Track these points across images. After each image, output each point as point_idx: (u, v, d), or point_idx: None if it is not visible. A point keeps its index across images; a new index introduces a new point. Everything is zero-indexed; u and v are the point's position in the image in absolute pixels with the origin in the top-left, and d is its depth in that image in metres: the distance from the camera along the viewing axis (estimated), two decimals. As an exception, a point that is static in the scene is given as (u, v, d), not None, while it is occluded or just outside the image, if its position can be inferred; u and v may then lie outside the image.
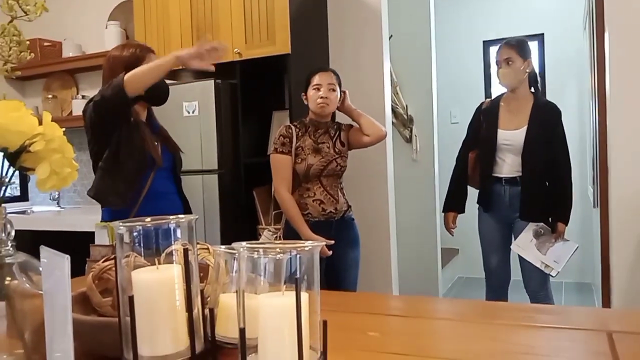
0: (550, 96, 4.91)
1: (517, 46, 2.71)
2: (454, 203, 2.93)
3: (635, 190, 2.69)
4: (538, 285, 2.72)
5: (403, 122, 4.19)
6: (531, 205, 2.68)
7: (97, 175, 2.19)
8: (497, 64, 2.74)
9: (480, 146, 2.83)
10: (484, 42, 5.22)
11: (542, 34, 5.03)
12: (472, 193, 2.96)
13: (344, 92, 2.60)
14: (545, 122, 2.66)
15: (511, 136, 2.69)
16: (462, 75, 5.20)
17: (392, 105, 3.68)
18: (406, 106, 4.19)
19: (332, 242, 2.38)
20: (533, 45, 5.04)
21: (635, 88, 2.68)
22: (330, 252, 2.37)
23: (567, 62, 4.87)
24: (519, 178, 2.70)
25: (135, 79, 1.88)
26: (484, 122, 2.81)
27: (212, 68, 2.02)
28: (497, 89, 5.10)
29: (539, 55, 5.04)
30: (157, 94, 2.18)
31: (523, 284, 2.79)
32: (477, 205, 2.91)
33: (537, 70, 2.81)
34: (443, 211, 3.00)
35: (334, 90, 2.50)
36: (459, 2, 5.25)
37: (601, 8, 2.89)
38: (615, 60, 2.75)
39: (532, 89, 2.77)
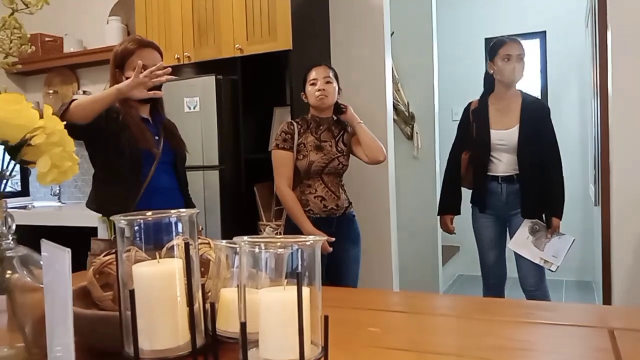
0: (551, 94, 4.92)
1: (522, 45, 2.72)
2: (450, 205, 2.92)
3: (637, 188, 2.69)
4: (534, 283, 2.72)
5: (404, 119, 4.18)
6: (532, 201, 2.69)
7: (93, 186, 2.18)
8: (503, 58, 2.68)
9: (473, 147, 2.82)
10: (485, 39, 5.20)
11: (544, 32, 5.02)
12: (466, 192, 2.95)
13: (346, 106, 2.59)
14: (536, 119, 2.68)
15: (504, 136, 2.69)
16: (464, 73, 5.18)
17: (393, 102, 3.67)
18: (407, 103, 4.18)
19: (333, 239, 2.37)
20: (535, 43, 5.03)
21: (638, 86, 2.68)
22: (331, 249, 2.37)
23: (569, 59, 4.86)
24: (516, 176, 2.70)
25: (79, 109, 1.89)
26: (474, 123, 2.81)
27: (159, 94, 2.04)
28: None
29: (540, 52, 5.03)
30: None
31: (520, 282, 2.78)
32: (471, 205, 2.91)
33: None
34: (439, 214, 2.99)
35: (330, 82, 2.50)
36: (461, -1, 5.24)
37: (604, 5, 2.89)
38: (618, 58, 2.74)
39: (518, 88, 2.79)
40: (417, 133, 4.18)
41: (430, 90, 4.17)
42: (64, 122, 1.78)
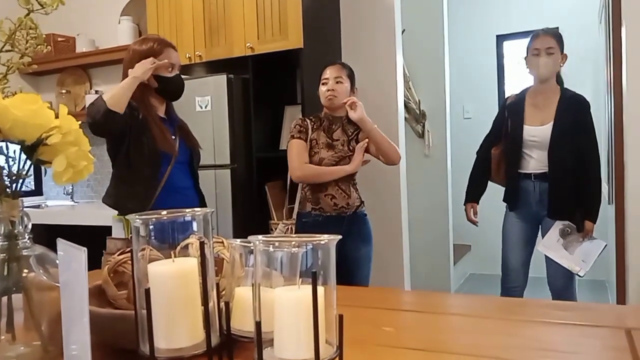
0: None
1: (557, 37, 2.61)
2: (476, 194, 2.86)
3: (652, 186, 2.65)
4: (563, 286, 2.63)
5: (415, 117, 4.17)
6: (560, 202, 2.59)
7: (111, 182, 2.22)
8: (532, 52, 2.60)
9: (505, 142, 2.74)
10: (497, 36, 5.18)
11: (557, 28, 4.97)
12: (492, 190, 2.91)
13: (358, 103, 2.46)
14: (573, 116, 2.56)
15: (538, 132, 2.60)
16: (475, 70, 5.16)
17: (404, 100, 3.66)
18: (419, 101, 4.17)
19: (340, 237, 2.35)
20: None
21: (653, 83, 2.64)
22: None
23: (582, 57, 4.80)
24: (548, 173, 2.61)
25: (115, 99, 1.99)
26: (509, 118, 2.72)
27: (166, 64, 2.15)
28: (511, 84, 5.07)
29: (553, 49, 4.99)
30: (171, 88, 2.20)
31: (547, 283, 2.70)
32: (504, 204, 2.82)
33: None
34: (466, 203, 2.89)
35: (341, 82, 2.49)
36: (472, -4, 5.21)
37: (618, 1, 2.85)
38: (632, 55, 2.71)
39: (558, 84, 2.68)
40: (428, 131, 4.16)
41: (442, 88, 4.15)
42: (107, 111, 1.91)
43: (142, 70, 2.06)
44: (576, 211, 2.61)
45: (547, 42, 2.58)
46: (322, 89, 2.50)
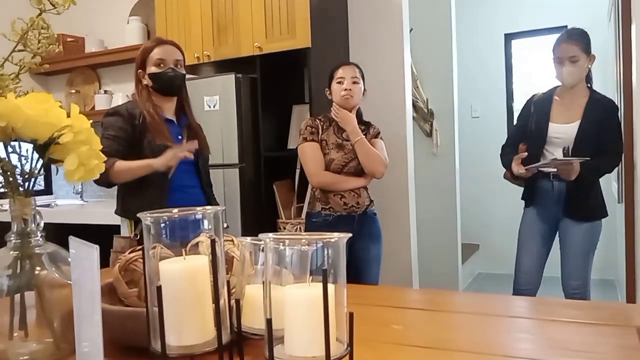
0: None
1: (581, 41, 2.53)
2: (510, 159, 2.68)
3: (662, 185, 2.63)
4: (578, 287, 2.57)
5: (423, 116, 4.16)
6: (576, 201, 2.54)
7: (120, 193, 2.24)
8: (556, 60, 2.55)
9: (529, 138, 2.68)
10: (505, 35, 5.15)
11: (565, 26, 4.94)
12: (502, 189, 2.84)
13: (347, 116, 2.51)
14: (599, 118, 2.51)
15: (563, 130, 2.56)
16: (483, 69, 5.14)
17: (412, 99, 3.66)
18: (427, 100, 4.16)
19: (350, 235, 2.35)
20: (555, 38, 4.96)
21: (663, 81, 2.62)
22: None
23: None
24: None
25: (119, 176, 2.08)
26: (535, 114, 2.67)
27: (191, 151, 2.14)
28: (519, 83, 5.05)
29: (562, 48, 4.96)
30: (160, 83, 2.20)
31: (562, 283, 2.63)
32: (514, 204, 2.75)
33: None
34: (507, 166, 2.69)
35: (357, 83, 2.50)
36: (480, -6, 5.19)
37: (628, -1, 2.84)
38: (642, 53, 2.69)
39: (588, 84, 2.63)
40: (436, 130, 4.15)
41: (450, 86, 4.14)
42: (109, 183, 2.08)
43: (162, 162, 2.06)
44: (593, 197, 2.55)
45: (570, 51, 2.51)
46: (338, 88, 2.50)
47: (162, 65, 2.18)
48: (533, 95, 2.76)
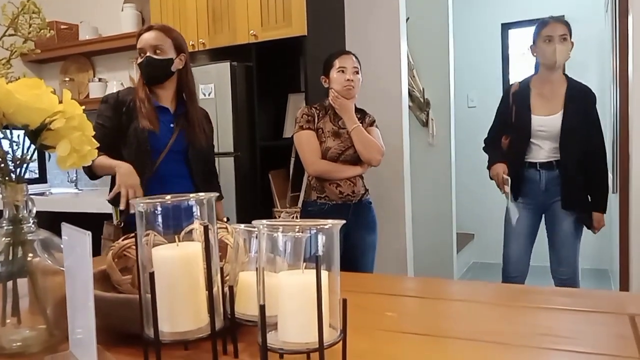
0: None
1: (567, 24, 2.60)
2: (497, 153, 2.76)
3: (657, 175, 2.64)
4: (567, 275, 2.62)
5: (419, 105, 4.15)
6: (573, 192, 2.58)
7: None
8: (545, 39, 2.56)
9: (512, 132, 2.71)
10: (502, 24, 5.14)
11: (562, 16, 4.93)
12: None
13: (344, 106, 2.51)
14: (581, 107, 2.55)
15: (547, 122, 2.58)
16: (480, 59, 5.13)
17: (408, 89, 3.64)
18: (423, 89, 4.15)
19: (344, 221, 2.35)
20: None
21: (659, 71, 2.62)
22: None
23: (588, 45, 4.77)
24: (555, 162, 2.59)
25: (97, 169, 2.17)
26: (514, 107, 2.69)
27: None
28: (516, 73, 5.04)
29: (558, 38, 4.95)
30: (143, 73, 2.20)
31: (551, 272, 2.69)
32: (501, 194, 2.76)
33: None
34: (490, 163, 2.77)
35: (357, 73, 2.50)
36: (477, -17, 5.17)
37: (625, -11, 2.83)
38: (639, 44, 2.68)
39: (564, 72, 2.66)
40: (432, 120, 4.14)
41: (446, 76, 4.13)
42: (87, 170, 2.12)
43: (119, 179, 2.07)
44: (585, 202, 2.62)
45: (560, 29, 2.55)
46: (338, 77, 2.48)
47: (142, 54, 2.18)
48: (510, 86, 2.77)
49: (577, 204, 2.60)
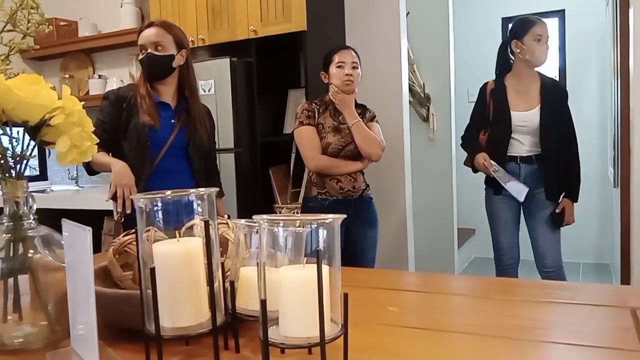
0: (570, 74, 4.83)
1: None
2: (477, 146, 2.80)
3: (658, 169, 2.64)
4: (553, 264, 2.68)
5: (420, 100, 4.14)
6: (555, 183, 2.66)
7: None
8: (535, 37, 2.60)
9: (492, 128, 2.75)
10: (502, 19, 5.12)
11: (563, 10, 4.92)
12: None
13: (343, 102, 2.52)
14: (555, 101, 2.64)
15: (526, 117, 2.64)
16: (480, 53, 5.11)
17: (409, 84, 3.64)
18: (423, 84, 4.14)
19: (344, 216, 2.35)
20: (553, 22, 4.94)
21: (660, 64, 2.62)
22: None
23: (589, 38, 4.76)
24: (535, 157, 2.65)
25: (96, 166, 2.19)
26: (492, 104, 2.73)
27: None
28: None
29: (559, 31, 4.94)
30: (144, 70, 2.20)
31: (536, 264, 2.75)
32: (485, 187, 2.85)
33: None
34: (471, 157, 2.81)
35: (356, 68, 2.49)
36: (477, -22, 5.15)
37: (626, -18, 2.81)
38: (640, 37, 2.68)
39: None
40: (432, 115, 4.14)
41: (446, 71, 4.12)
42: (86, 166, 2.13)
43: (114, 178, 2.09)
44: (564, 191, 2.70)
45: (547, 30, 2.63)
46: (338, 72, 2.47)
47: (143, 51, 2.18)
48: (486, 84, 2.81)
49: (558, 195, 2.69)
